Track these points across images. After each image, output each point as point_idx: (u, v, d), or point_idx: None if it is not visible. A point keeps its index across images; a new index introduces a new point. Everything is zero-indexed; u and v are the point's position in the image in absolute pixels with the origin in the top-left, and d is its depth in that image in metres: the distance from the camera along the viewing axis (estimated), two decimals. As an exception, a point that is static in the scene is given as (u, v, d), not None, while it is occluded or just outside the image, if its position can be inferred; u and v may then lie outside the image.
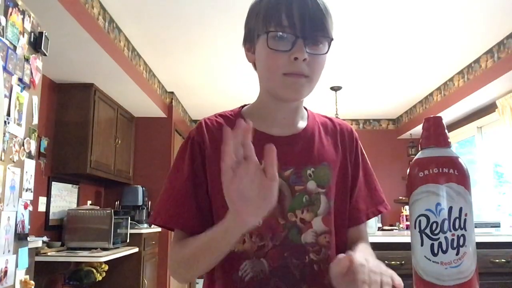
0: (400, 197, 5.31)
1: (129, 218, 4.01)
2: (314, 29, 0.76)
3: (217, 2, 2.96)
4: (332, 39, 0.78)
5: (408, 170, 0.67)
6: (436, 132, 0.66)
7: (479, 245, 2.27)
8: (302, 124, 0.88)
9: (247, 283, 0.78)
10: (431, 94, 5.02)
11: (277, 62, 0.77)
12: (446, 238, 0.57)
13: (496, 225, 2.91)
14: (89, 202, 4.30)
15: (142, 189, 4.63)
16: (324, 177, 0.83)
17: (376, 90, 4.81)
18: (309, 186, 0.81)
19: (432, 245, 0.58)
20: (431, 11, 3.09)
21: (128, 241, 3.88)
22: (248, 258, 0.78)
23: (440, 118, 0.67)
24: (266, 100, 0.86)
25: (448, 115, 4.85)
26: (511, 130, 3.84)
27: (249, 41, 0.87)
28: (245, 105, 0.92)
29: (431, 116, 0.71)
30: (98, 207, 3.94)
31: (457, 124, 5.05)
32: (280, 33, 0.76)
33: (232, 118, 0.87)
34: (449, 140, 0.67)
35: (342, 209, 0.85)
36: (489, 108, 4.31)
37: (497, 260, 2.39)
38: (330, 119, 0.93)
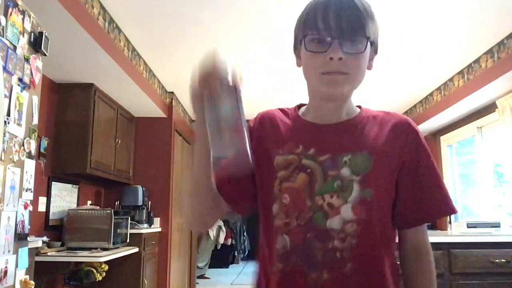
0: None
1: (129, 218, 4.01)
2: (349, 29, 0.80)
3: (217, 2, 2.96)
4: (368, 38, 0.81)
5: None
6: None
7: (479, 245, 2.28)
8: (347, 117, 0.90)
9: (277, 255, 0.83)
10: (431, 94, 5.02)
11: (315, 63, 0.82)
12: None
13: (496, 225, 2.91)
14: (89, 202, 4.30)
15: (142, 189, 4.63)
16: (361, 164, 0.83)
17: (376, 90, 4.81)
18: (343, 172, 0.82)
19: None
20: (431, 11, 3.09)
21: (128, 241, 3.88)
22: (281, 233, 0.83)
23: None
24: (313, 100, 0.91)
25: (448, 115, 4.85)
26: (511, 130, 3.84)
27: (296, 48, 0.91)
28: (302, 104, 0.98)
29: None
30: (98, 207, 3.94)
31: (457, 124, 5.05)
32: (316, 36, 0.81)
33: (286, 110, 0.95)
34: None
35: (383, 201, 0.84)
36: (489, 108, 4.31)
37: (497, 260, 2.39)
38: (386, 112, 0.93)
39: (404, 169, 0.86)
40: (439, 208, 0.87)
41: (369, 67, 0.89)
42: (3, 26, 1.80)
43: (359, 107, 0.93)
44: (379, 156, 0.84)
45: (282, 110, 0.96)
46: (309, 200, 0.82)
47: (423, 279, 0.86)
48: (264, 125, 0.93)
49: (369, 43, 0.82)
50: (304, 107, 0.96)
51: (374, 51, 0.88)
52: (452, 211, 0.88)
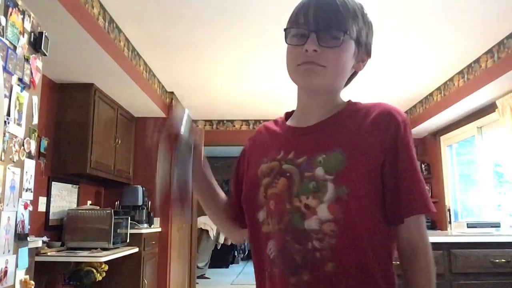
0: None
1: (129, 218, 4.01)
2: (325, 23, 0.83)
3: (217, 2, 2.96)
4: (345, 32, 0.84)
5: None
6: None
7: (479, 245, 2.28)
8: (330, 114, 0.90)
9: (271, 260, 0.85)
10: (431, 94, 5.02)
11: (293, 55, 0.86)
12: None
13: (496, 225, 2.91)
14: (89, 202, 4.31)
15: (142, 189, 4.63)
16: (334, 163, 0.81)
17: (376, 90, 4.81)
18: (317, 173, 0.82)
19: None
20: (431, 11, 3.09)
21: (128, 241, 3.88)
22: (271, 238, 0.85)
23: None
24: (300, 96, 0.95)
25: (448, 115, 4.85)
26: (511, 130, 3.84)
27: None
28: (289, 112, 1.01)
29: None
30: (98, 207, 3.95)
31: (457, 124, 5.05)
32: (294, 29, 0.86)
33: (278, 119, 1.00)
34: None
35: (362, 197, 0.80)
36: (489, 108, 4.31)
37: (497, 260, 2.39)
38: (373, 104, 0.89)
39: (386, 163, 0.82)
40: (415, 206, 0.82)
41: (358, 68, 0.90)
42: (3, 26, 1.80)
43: (349, 102, 0.92)
44: (353, 152, 0.81)
45: (275, 120, 1.01)
46: (287, 203, 0.83)
47: (419, 278, 0.81)
48: (255, 141, 1.01)
49: (350, 40, 0.85)
50: (293, 113, 0.99)
51: (365, 53, 0.90)
52: (428, 209, 0.83)
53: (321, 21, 0.83)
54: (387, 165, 0.82)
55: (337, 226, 0.79)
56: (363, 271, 0.80)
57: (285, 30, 0.88)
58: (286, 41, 0.88)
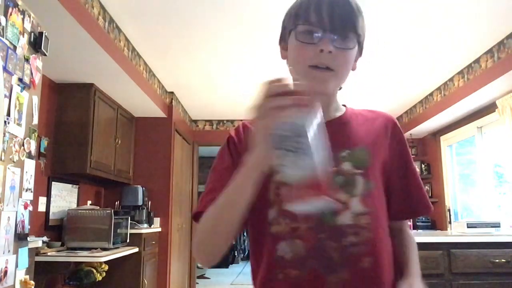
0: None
1: (129, 218, 4.01)
2: (342, 24, 0.79)
3: (217, 2, 2.96)
4: (359, 35, 0.82)
5: None
6: None
7: (479, 245, 2.28)
8: (336, 113, 0.90)
9: (287, 262, 0.79)
10: (431, 94, 5.02)
11: (304, 54, 0.81)
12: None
13: (496, 225, 2.90)
14: (89, 202, 4.30)
15: (142, 189, 4.63)
16: (362, 158, 0.83)
17: (376, 90, 4.81)
18: (344, 167, 0.81)
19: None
20: (431, 11, 3.09)
21: (128, 241, 3.88)
22: (284, 238, 0.79)
23: None
24: None
25: (448, 115, 4.85)
26: (511, 130, 3.84)
27: (283, 39, 0.90)
28: None
29: None
30: (98, 207, 3.94)
31: (457, 124, 5.05)
32: (308, 27, 0.80)
33: None
34: None
35: (381, 193, 0.85)
36: (489, 108, 4.31)
37: (497, 260, 2.39)
38: (370, 111, 0.95)
39: (394, 167, 0.88)
40: (422, 208, 0.92)
41: (354, 68, 0.90)
42: (3, 26, 1.80)
43: (344, 106, 0.94)
44: (374, 150, 0.85)
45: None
46: None
47: (415, 257, 0.88)
48: (250, 131, 0.88)
49: (357, 41, 0.83)
50: None
51: (359, 52, 0.89)
52: (431, 209, 0.93)
53: (336, 20, 0.79)
54: (395, 169, 0.88)
55: (371, 219, 0.79)
56: (390, 267, 0.82)
57: (295, 26, 0.82)
58: (295, 37, 0.82)
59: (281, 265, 0.79)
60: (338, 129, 0.87)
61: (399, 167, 0.89)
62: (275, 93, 0.61)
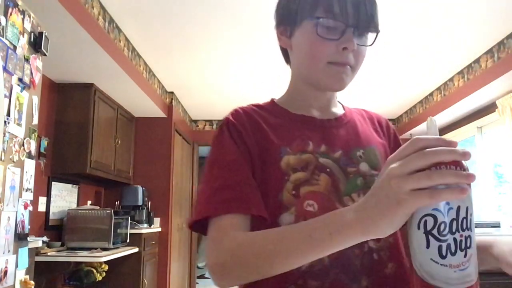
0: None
1: (129, 218, 4.01)
2: (366, 20, 0.72)
3: (217, 2, 2.96)
4: (379, 32, 0.75)
5: None
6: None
7: (479, 245, 2.22)
8: (338, 111, 0.86)
9: (304, 272, 0.68)
10: (431, 94, 5.02)
11: (324, 50, 0.73)
12: (454, 239, 0.52)
13: (496, 225, 2.91)
14: (89, 202, 4.30)
15: (142, 189, 4.63)
16: (375, 159, 0.79)
17: (376, 90, 4.81)
18: (362, 168, 0.76)
19: (440, 247, 0.52)
20: (431, 11, 3.09)
21: (128, 241, 3.88)
22: None
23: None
24: (301, 88, 0.83)
25: (448, 115, 4.85)
26: (511, 130, 3.84)
27: (287, 24, 0.79)
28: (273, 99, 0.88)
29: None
30: (98, 207, 3.94)
31: (457, 124, 5.05)
32: (331, 21, 0.71)
33: (265, 106, 0.84)
34: None
35: None
36: (489, 108, 4.31)
37: (497, 260, 2.39)
38: (364, 110, 0.91)
39: None
40: None
41: None
42: (3, 26, 1.80)
43: (339, 102, 0.91)
44: (380, 150, 0.82)
45: (257, 106, 0.84)
46: (337, 203, 0.72)
47: None
48: (254, 122, 0.79)
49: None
50: (281, 98, 0.86)
51: None
52: None
53: (362, 15, 0.72)
54: None
55: None
56: (407, 271, 0.76)
57: (313, 15, 0.73)
58: (317, 32, 0.72)
59: (295, 276, 0.68)
60: (347, 127, 0.83)
61: None
62: (432, 163, 0.47)
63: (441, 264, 0.52)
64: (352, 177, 0.75)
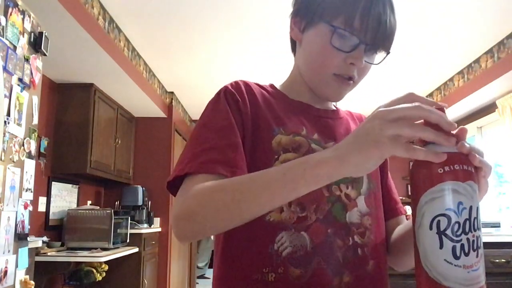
0: (401, 197, 5.31)
1: (129, 218, 4.01)
2: (382, 41, 0.73)
3: (217, 2, 2.96)
4: (389, 53, 0.76)
5: (412, 167, 0.60)
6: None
7: (479, 245, 2.20)
8: (332, 106, 0.87)
9: (285, 258, 0.67)
10: (431, 94, 5.02)
11: (332, 60, 0.73)
12: (468, 239, 0.52)
13: (496, 225, 2.91)
14: (89, 202, 4.30)
15: (142, 189, 4.63)
16: None
17: (376, 90, 4.81)
18: None
19: (454, 248, 0.52)
20: (431, 11, 3.09)
21: (128, 241, 3.88)
22: (285, 229, 0.68)
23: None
24: (301, 80, 0.82)
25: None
26: (511, 130, 3.84)
27: (304, 17, 0.76)
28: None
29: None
30: (98, 207, 3.94)
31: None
32: (348, 34, 0.70)
33: (265, 87, 0.83)
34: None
35: (379, 193, 0.82)
36: (489, 108, 4.31)
37: (497, 260, 2.39)
38: (349, 111, 0.92)
39: (383, 168, 0.86)
40: (400, 210, 0.87)
41: None
42: (3, 26, 1.80)
43: None
44: None
45: (258, 84, 0.83)
46: (325, 189, 0.71)
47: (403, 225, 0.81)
48: (252, 94, 0.77)
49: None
50: (282, 86, 0.86)
51: None
52: (406, 213, 0.88)
53: (380, 36, 0.72)
54: (381, 170, 0.85)
55: (373, 220, 0.75)
56: (387, 271, 0.78)
57: (332, 21, 0.71)
58: (330, 41, 0.71)
59: (276, 262, 0.67)
60: (341, 122, 0.83)
61: (384, 166, 0.86)
62: (423, 120, 0.52)
63: (455, 265, 0.52)
64: None
